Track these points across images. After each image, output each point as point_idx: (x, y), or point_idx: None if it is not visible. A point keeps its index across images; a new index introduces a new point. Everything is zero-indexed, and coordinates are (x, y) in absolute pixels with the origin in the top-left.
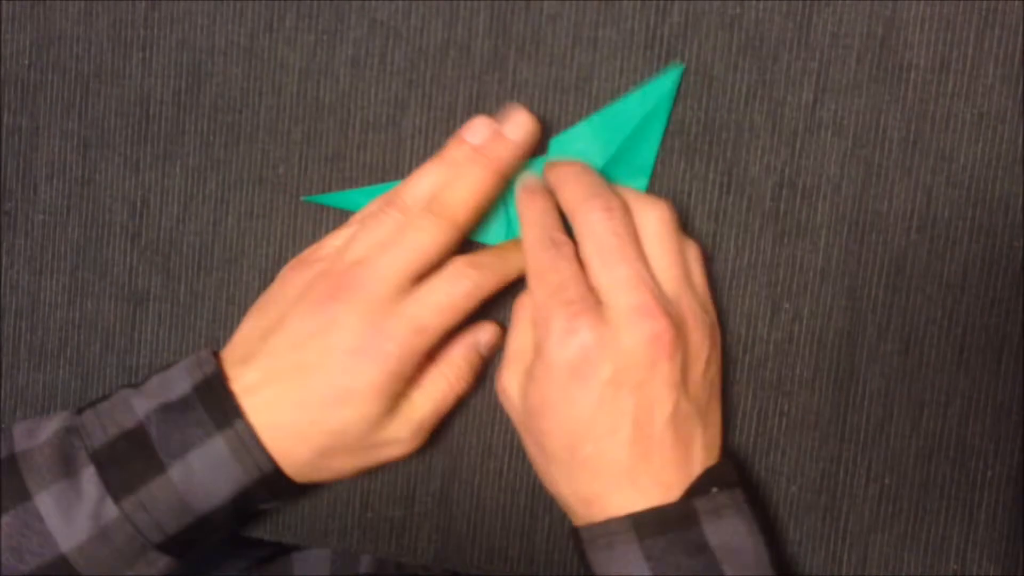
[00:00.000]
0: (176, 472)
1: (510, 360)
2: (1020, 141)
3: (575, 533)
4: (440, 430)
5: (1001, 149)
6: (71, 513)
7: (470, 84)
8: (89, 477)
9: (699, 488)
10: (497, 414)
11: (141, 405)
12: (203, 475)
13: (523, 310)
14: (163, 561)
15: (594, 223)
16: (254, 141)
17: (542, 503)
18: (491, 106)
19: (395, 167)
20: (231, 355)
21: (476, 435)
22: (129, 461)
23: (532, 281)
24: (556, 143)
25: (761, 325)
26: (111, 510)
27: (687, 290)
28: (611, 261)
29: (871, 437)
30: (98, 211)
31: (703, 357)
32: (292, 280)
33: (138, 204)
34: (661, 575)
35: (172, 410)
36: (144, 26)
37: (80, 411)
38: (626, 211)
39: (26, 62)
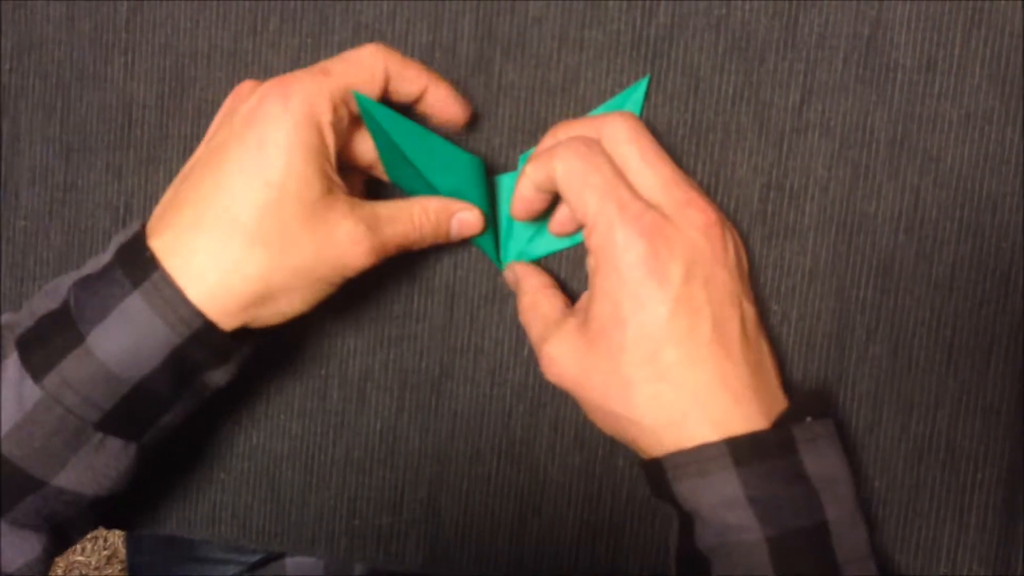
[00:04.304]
0: (95, 339)
1: (547, 332)
2: (1007, 141)
3: (656, 464)
4: (426, 436)
5: (988, 149)
6: None
7: (456, 86)
8: (11, 362)
9: (792, 416)
10: (484, 419)
11: (67, 284)
12: (125, 338)
13: (527, 293)
14: (113, 444)
15: (627, 130)
16: None
17: (531, 507)
18: (476, 108)
19: None
20: (155, 214)
21: (464, 441)
22: (49, 339)
23: (575, 190)
24: (526, 159)
25: None
26: (32, 391)
27: (706, 195)
28: (656, 161)
29: (860, 440)
30: (81, 217)
31: (744, 255)
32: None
33: (121, 210)
34: (758, 503)
35: (92, 279)
36: (126, 30)
37: None
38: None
39: (7, 67)
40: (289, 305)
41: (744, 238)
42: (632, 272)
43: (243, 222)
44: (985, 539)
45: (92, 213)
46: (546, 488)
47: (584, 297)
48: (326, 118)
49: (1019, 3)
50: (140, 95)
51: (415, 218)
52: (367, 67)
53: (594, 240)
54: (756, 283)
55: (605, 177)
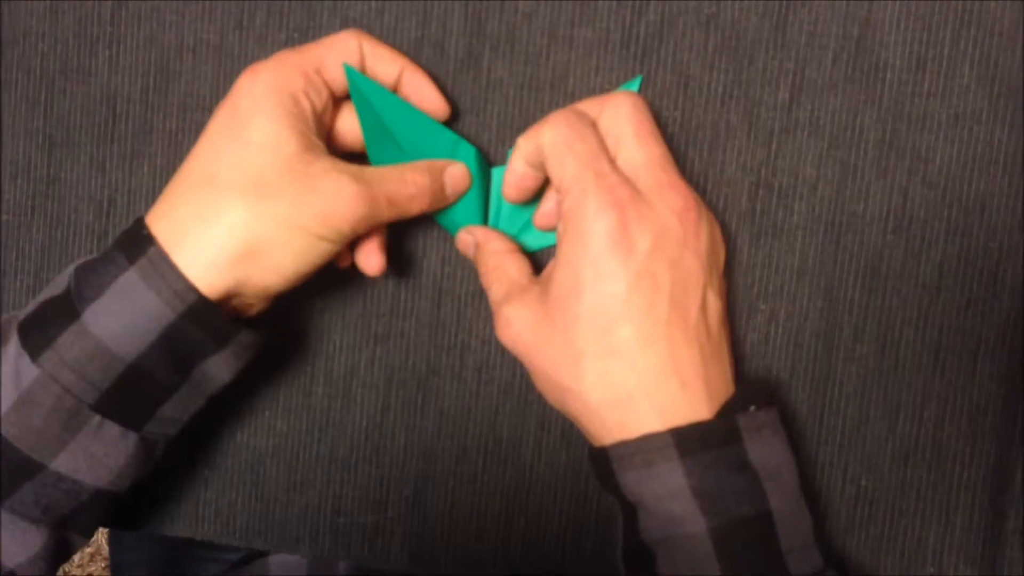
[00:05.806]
0: (90, 316)
1: (510, 295)
2: (996, 141)
3: (602, 453)
4: (412, 434)
5: (977, 150)
6: None
7: (444, 83)
8: (12, 345)
9: (736, 404)
10: (471, 417)
11: (71, 270)
12: (120, 314)
13: (492, 255)
14: (112, 430)
15: (630, 106)
16: None
17: (517, 505)
18: (465, 104)
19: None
20: None
21: (450, 439)
22: (48, 320)
23: (557, 156)
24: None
25: (737, 326)
26: (30, 369)
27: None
28: (648, 140)
29: (847, 439)
30: (64, 211)
31: (721, 255)
32: None
33: (105, 204)
34: (702, 494)
35: (93, 262)
36: (111, 23)
37: None
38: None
39: None
40: (281, 261)
41: (732, 237)
42: (598, 242)
43: (220, 176)
44: (971, 539)
45: (75, 207)
46: (532, 486)
47: (550, 266)
48: (297, 85)
49: (1008, 3)
50: (124, 89)
51: (407, 176)
52: (341, 45)
53: (566, 204)
54: (744, 282)
55: (588, 146)
